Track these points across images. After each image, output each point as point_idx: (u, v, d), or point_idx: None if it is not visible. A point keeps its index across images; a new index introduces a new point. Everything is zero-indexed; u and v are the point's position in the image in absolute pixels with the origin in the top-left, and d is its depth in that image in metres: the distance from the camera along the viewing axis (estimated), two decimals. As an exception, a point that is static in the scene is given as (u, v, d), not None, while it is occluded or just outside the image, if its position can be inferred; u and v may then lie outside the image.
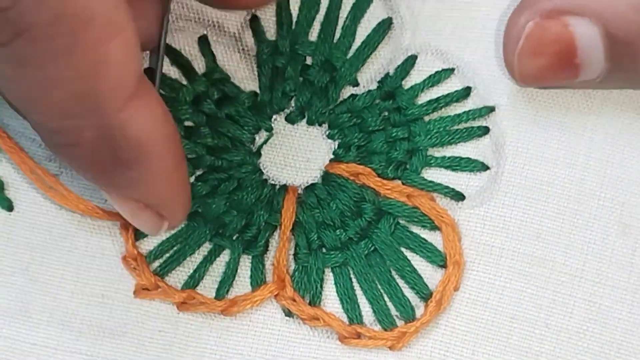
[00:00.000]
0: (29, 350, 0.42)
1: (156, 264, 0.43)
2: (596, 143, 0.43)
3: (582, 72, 0.40)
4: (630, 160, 0.42)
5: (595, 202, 0.42)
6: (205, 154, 0.44)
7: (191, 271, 0.43)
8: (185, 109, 0.44)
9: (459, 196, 0.43)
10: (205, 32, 0.45)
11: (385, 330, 0.42)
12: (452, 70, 0.44)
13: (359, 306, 0.42)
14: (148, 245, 0.43)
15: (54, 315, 0.42)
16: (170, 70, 0.44)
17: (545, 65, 0.40)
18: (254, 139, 0.44)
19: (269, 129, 0.44)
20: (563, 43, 0.40)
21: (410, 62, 0.44)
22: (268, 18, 0.45)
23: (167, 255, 0.43)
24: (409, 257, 0.42)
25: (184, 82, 0.44)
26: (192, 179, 0.44)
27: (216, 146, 0.44)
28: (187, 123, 0.44)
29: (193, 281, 0.43)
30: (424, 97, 0.44)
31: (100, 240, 0.43)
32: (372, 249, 0.43)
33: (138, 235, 0.43)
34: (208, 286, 0.43)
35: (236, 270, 0.43)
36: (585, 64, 0.40)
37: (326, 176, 0.43)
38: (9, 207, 0.43)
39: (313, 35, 0.44)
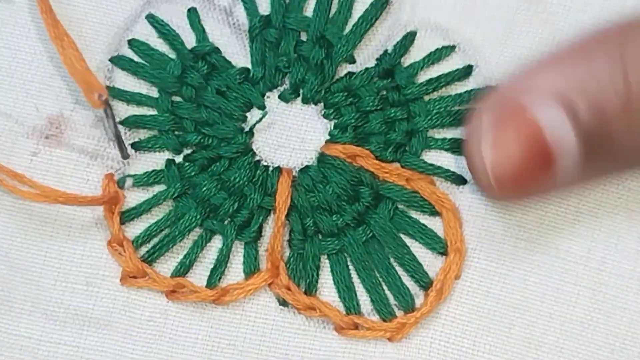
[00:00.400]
0: (12, 341, 0.40)
1: (144, 249, 0.41)
2: (602, 126, 0.41)
3: (558, 160, 0.38)
4: (636, 144, 0.41)
5: (600, 188, 0.41)
6: (193, 130, 0.42)
7: (181, 258, 0.41)
8: (172, 82, 0.42)
9: (460, 180, 0.41)
10: (194, 5, 0.42)
11: (384, 320, 0.40)
12: (453, 47, 0.42)
13: (356, 295, 0.41)
14: (135, 229, 0.41)
15: (36, 305, 0.41)
16: (157, 42, 0.42)
17: (516, 156, 0.38)
18: (246, 117, 0.42)
19: (262, 107, 0.42)
20: (531, 138, 0.37)
21: (409, 38, 0.42)
22: (260, -9, 0.43)
23: (155, 240, 0.41)
24: (408, 244, 0.41)
25: (172, 55, 0.42)
26: (180, 158, 0.42)
27: (205, 121, 0.42)
28: (175, 98, 0.42)
29: (183, 268, 0.41)
30: (423, 76, 0.42)
31: (84, 224, 0.41)
32: (370, 235, 0.41)
33: (123, 218, 0.41)
34: (199, 274, 0.41)
35: (228, 257, 0.41)
36: (558, 149, 0.37)
37: (322, 158, 0.42)
38: (-13, 190, 0.41)
39: (308, 11, 0.42)
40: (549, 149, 0.37)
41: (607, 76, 0.36)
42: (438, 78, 0.42)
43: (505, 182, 0.38)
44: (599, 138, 0.37)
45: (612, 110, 0.37)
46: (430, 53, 0.42)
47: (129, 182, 0.41)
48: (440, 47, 0.42)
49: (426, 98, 0.42)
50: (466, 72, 0.42)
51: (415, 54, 0.42)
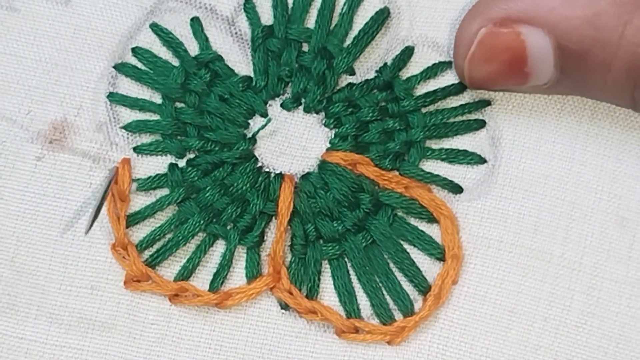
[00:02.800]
0: (17, 344, 0.41)
1: (147, 253, 0.42)
2: (592, 137, 0.43)
3: (531, 79, 0.41)
4: (626, 154, 0.43)
5: (592, 195, 0.42)
6: (196, 135, 0.42)
7: (184, 262, 0.42)
8: (176, 89, 0.42)
9: (456, 188, 0.42)
10: (197, 15, 0.43)
11: (384, 324, 0.41)
12: (450, 63, 0.43)
13: (356, 299, 0.42)
14: (138, 233, 0.42)
15: (42, 308, 0.41)
16: (160, 50, 0.43)
17: (495, 71, 0.41)
18: (248, 123, 0.43)
19: (264, 114, 0.43)
20: (514, 51, 0.40)
21: (407, 53, 0.43)
22: (262, 3, 0.43)
23: (159, 244, 0.42)
24: (407, 250, 0.42)
25: (175, 63, 0.43)
26: (182, 163, 0.42)
27: (207, 127, 0.42)
28: (178, 105, 0.43)
29: (186, 272, 0.42)
30: (421, 89, 0.43)
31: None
32: (370, 241, 0.42)
33: (127, 223, 0.42)
34: (201, 278, 0.42)
35: (231, 262, 0.42)
36: (534, 72, 0.40)
37: (323, 165, 0.43)
38: (-8, 195, 0.41)
39: (309, 24, 0.43)
40: (526, 73, 0.40)
41: (607, 23, 0.39)
42: (435, 92, 0.43)
43: (478, 87, 0.42)
44: (576, 76, 0.40)
45: (600, 58, 0.39)
46: (428, 68, 0.43)
47: (132, 186, 0.42)
48: (437, 62, 0.43)
49: (423, 110, 0.43)
50: (462, 86, 0.43)
51: (413, 68, 0.43)
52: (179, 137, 0.42)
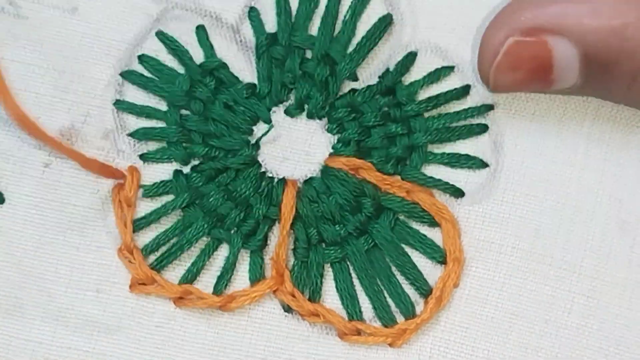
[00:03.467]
0: (23, 346, 0.41)
1: (152, 257, 0.42)
2: (594, 141, 0.43)
3: (555, 85, 0.41)
4: (627, 158, 0.43)
5: (593, 198, 0.42)
6: (200, 142, 0.43)
7: (188, 265, 0.42)
8: (181, 96, 0.43)
9: (458, 193, 0.43)
10: (202, 23, 0.44)
11: (386, 326, 0.42)
12: (452, 68, 0.44)
13: (358, 302, 0.42)
14: (144, 238, 0.42)
15: (48, 311, 0.42)
16: (166, 58, 0.44)
17: (521, 79, 0.41)
18: (252, 130, 0.44)
19: (268, 121, 0.43)
20: (541, 60, 0.40)
21: (410, 58, 0.44)
22: (266, 10, 0.44)
23: (164, 248, 0.42)
24: (408, 253, 0.42)
25: (181, 70, 0.44)
26: (187, 169, 0.43)
27: (212, 134, 0.43)
28: (184, 112, 0.43)
29: (190, 276, 0.42)
30: (423, 94, 0.44)
31: (94, 232, 0.42)
32: (372, 244, 0.42)
33: (133, 227, 0.42)
34: (205, 281, 0.42)
35: (235, 265, 0.42)
36: (559, 79, 0.41)
37: (325, 170, 0.43)
38: (0, 200, 0.42)
39: (313, 31, 0.44)
40: (551, 80, 0.40)
41: (635, 34, 0.39)
42: (437, 96, 0.43)
43: (500, 91, 0.42)
44: (601, 87, 0.41)
45: (626, 68, 0.39)
46: (430, 73, 0.44)
47: (138, 192, 0.43)
48: (439, 67, 0.44)
49: (426, 115, 0.43)
50: (464, 91, 0.43)
51: (415, 73, 0.44)
52: (184, 145, 0.43)
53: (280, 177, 0.43)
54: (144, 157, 0.43)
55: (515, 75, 0.41)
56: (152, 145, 0.43)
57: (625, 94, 0.40)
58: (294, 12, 0.44)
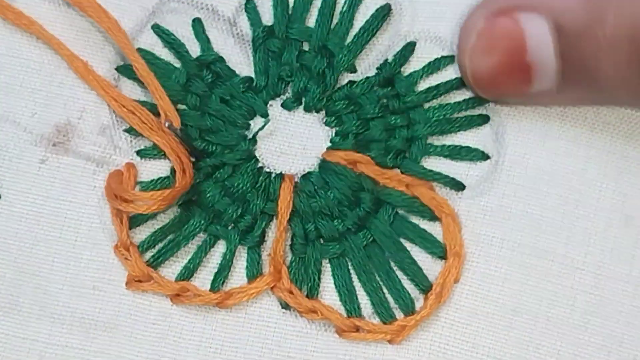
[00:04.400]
0: (19, 344, 0.41)
1: (149, 254, 0.42)
2: (597, 133, 0.42)
3: (536, 74, 0.40)
4: (631, 151, 0.42)
5: (596, 193, 0.42)
6: (197, 138, 0.43)
7: (185, 262, 0.42)
8: (177, 91, 0.43)
9: (459, 186, 0.42)
10: (198, 16, 0.43)
11: (385, 323, 0.41)
12: (452, 57, 0.43)
13: (357, 299, 0.41)
14: (140, 235, 0.42)
15: (44, 309, 0.41)
16: (162, 52, 0.43)
17: (496, 64, 0.40)
18: (249, 124, 0.43)
19: (265, 115, 0.43)
20: (513, 39, 0.39)
21: (409, 48, 0.43)
22: (263, 2, 0.43)
23: (160, 245, 0.42)
24: (408, 249, 0.42)
25: (177, 65, 0.43)
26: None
27: (209, 129, 0.43)
28: (180, 106, 0.43)
29: (187, 272, 0.42)
30: (423, 85, 0.43)
31: (90, 229, 0.42)
32: (371, 239, 0.42)
33: (130, 224, 0.42)
34: (202, 278, 0.42)
35: (232, 262, 0.42)
36: (537, 63, 0.40)
37: (323, 164, 0.42)
38: (-4, 196, 0.42)
39: (310, 22, 0.43)
40: (528, 66, 0.39)
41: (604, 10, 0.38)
42: (437, 87, 0.43)
43: (482, 86, 0.41)
44: (579, 63, 0.39)
45: (598, 41, 0.38)
46: (430, 63, 0.43)
47: (136, 189, 0.42)
48: (439, 57, 0.43)
49: (425, 106, 0.43)
50: (464, 81, 0.43)
51: (414, 64, 0.43)
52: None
53: (278, 172, 0.43)
54: (140, 153, 0.43)
55: (490, 59, 0.40)
56: (149, 141, 0.43)
57: (606, 72, 0.39)
58: (291, 4, 0.43)
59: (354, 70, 0.43)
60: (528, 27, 0.39)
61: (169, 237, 0.42)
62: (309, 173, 0.42)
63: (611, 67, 0.39)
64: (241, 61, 0.43)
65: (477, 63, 0.40)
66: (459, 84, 0.42)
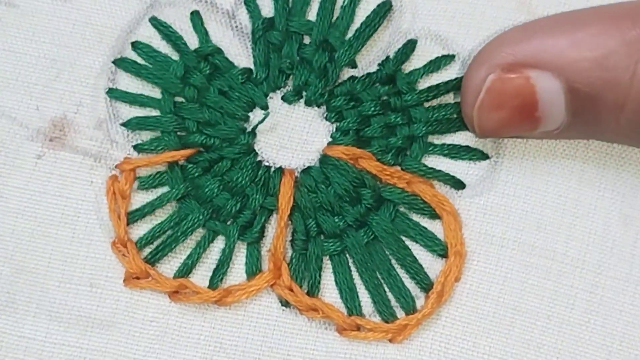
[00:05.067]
0: (16, 342, 0.40)
1: (147, 250, 0.42)
2: (597, 132, 0.42)
3: (542, 124, 0.40)
4: (630, 151, 0.42)
5: (595, 192, 0.42)
6: (195, 131, 0.42)
7: (184, 258, 0.41)
8: (176, 83, 0.42)
9: (459, 184, 0.42)
10: (197, 8, 0.43)
11: (386, 321, 0.41)
12: (453, 56, 0.42)
13: (358, 297, 0.41)
14: (138, 230, 0.42)
15: (41, 306, 0.41)
16: (160, 45, 0.43)
17: (505, 118, 0.40)
18: (248, 117, 0.43)
19: (265, 107, 0.42)
20: (524, 97, 0.39)
21: (410, 46, 0.43)
22: (263, -5, 0.43)
23: (158, 241, 0.42)
24: (409, 246, 0.42)
25: (175, 58, 0.43)
26: (182, 160, 0.42)
27: (207, 122, 0.42)
28: (178, 99, 0.42)
29: (186, 269, 0.41)
30: (423, 83, 0.43)
31: (88, 226, 0.41)
32: (372, 237, 0.42)
33: (127, 220, 0.41)
34: (201, 274, 0.41)
35: (231, 258, 0.41)
36: (545, 117, 0.39)
37: (324, 159, 0.42)
38: (-9, 192, 0.41)
39: (310, 16, 0.43)
40: (537, 118, 0.39)
41: (618, 63, 0.38)
42: (438, 86, 0.42)
43: (488, 136, 0.41)
44: (590, 119, 0.39)
45: (612, 99, 0.38)
46: (431, 61, 0.43)
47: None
48: (440, 55, 0.42)
49: (426, 105, 0.42)
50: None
51: (415, 62, 0.43)
52: (178, 134, 0.42)
53: (278, 166, 0.42)
54: (138, 147, 0.42)
55: (500, 115, 0.39)
56: (146, 135, 0.42)
57: (614, 129, 0.39)
58: (291, -3, 0.43)
59: (355, 65, 0.43)
60: (539, 85, 0.38)
61: (167, 233, 0.42)
62: (309, 168, 0.42)
63: (621, 125, 0.39)
64: (240, 53, 0.43)
65: (486, 117, 0.40)
66: (459, 84, 0.42)
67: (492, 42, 0.40)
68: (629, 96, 0.38)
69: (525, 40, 0.39)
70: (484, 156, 0.42)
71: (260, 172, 0.42)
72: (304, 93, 0.43)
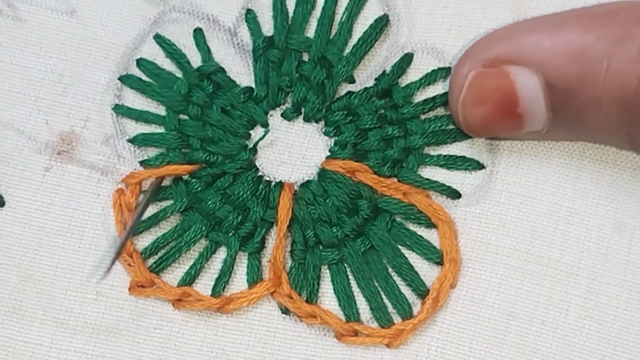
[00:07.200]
0: (23, 349, 0.42)
1: (151, 260, 0.43)
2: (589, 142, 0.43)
3: (527, 122, 0.41)
4: (623, 158, 0.43)
5: (589, 199, 0.42)
6: (199, 148, 0.43)
7: (187, 268, 0.43)
8: (179, 101, 0.43)
9: (455, 194, 0.43)
10: (200, 26, 0.44)
11: (383, 327, 0.42)
12: (449, 69, 0.44)
13: (355, 304, 0.42)
14: (143, 241, 0.43)
15: (47, 313, 0.42)
16: (164, 62, 0.44)
17: (488, 114, 0.41)
18: (249, 134, 0.44)
19: (265, 125, 0.44)
20: (504, 92, 0.40)
21: (406, 60, 0.44)
22: (263, 12, 0.44)
23: (163, 251, 0.43)
24: (405, 255, 0.42)
25: (179, 74, 0.44)
26: (186, 175, 0.43)
27: (210, 139, 0.43)
28: (182, 116, 0.44)
29: (189, 278, 0.42)
30: (420, 96, 0.44)
31: (94, 237, 0.43)
32: (369, 246, 0.43)
33: (134, 230, 0.43)
34: (204, 283, 0.43)
35: (232, 267, 0.42)
36: (528, 114, 0.40)
37: (322, 173, 0.43)
38: (1, 203, 0.43)
39: (309, 32, 0.44)
40: (519, 115, 0.40)
41: (594, 57, 0.39)
42: (434, 98, 0.43)
43: (474, 132, 0.42)
44: (569, 114, 0.40)
45: (589, 99, 0.39)
46: (427, 74, 0.44)
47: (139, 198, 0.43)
48: (436, 68, 0.44)
49: (422, 117, 0.44)
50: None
51: (412, 75, 0.44)
52: (183, 150, 0.43)
53: (278, 180, 0.43)
54: (144, 163, 0.43)
55: (482, 110, 0.40)
56: (152, 151, 0.44)
57: (596, 125, 0.40)
58: (290, 14, 0.44)
59: (352, 80, 0.44)
60: (519, 81, 0.40)
61: (171, 244, 0.43)
62: (308, 181, 0.43)
63: (601, 119, 0.40)
64: (242, 71, 0.44)
65: (469, 113, 0.41)
66: (454, 94, 0.43)
67: (477, 41, 0.41)
68: (604, 90, 0.39)
69: (508, 38, 0.40)
70: (480, 166, 0.43)
71: (260, 186, 0.43)
72: (303, 109, 0.44)
